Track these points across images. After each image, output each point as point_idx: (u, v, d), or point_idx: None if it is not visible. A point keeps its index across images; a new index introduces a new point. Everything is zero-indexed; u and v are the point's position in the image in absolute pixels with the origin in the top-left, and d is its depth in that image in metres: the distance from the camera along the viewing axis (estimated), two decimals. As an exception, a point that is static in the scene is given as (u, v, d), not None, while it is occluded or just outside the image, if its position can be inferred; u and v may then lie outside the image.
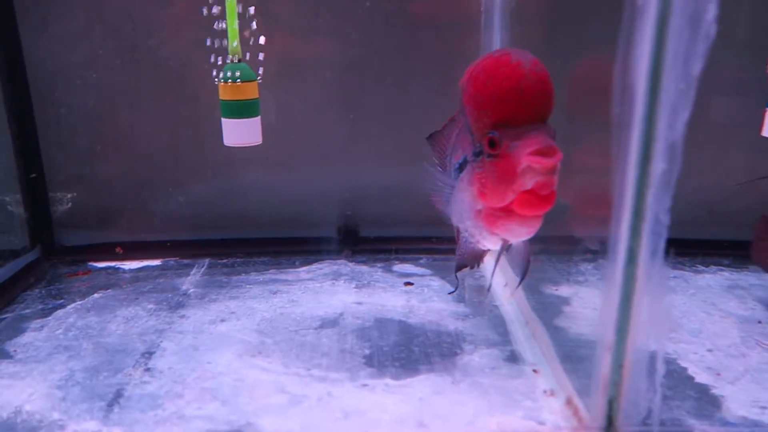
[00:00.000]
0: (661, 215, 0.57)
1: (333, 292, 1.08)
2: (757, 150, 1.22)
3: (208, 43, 0.99)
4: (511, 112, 0.58)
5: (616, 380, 0.64)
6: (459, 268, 0.84)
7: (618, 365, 0.63)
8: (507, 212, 0.61)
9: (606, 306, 0.63)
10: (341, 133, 1.25)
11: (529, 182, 0.57)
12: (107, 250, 1.23)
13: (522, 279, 0.79)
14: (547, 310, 1.00)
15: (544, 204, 0.59)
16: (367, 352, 0.89)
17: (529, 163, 0.56)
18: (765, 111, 1.03)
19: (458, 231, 0.83)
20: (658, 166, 0.55)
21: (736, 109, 1.22)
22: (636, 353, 0.63)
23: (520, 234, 0.65)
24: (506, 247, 0.72)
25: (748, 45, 1.16)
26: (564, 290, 1.08)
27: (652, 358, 0.63)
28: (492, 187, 0.61)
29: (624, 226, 0.59)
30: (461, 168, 0.69)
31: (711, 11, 0.51)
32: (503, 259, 1.19)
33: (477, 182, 0.63)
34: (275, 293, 1.08)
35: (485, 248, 0.77)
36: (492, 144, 0.59)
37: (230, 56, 0.98)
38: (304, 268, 1.19)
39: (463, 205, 0.68)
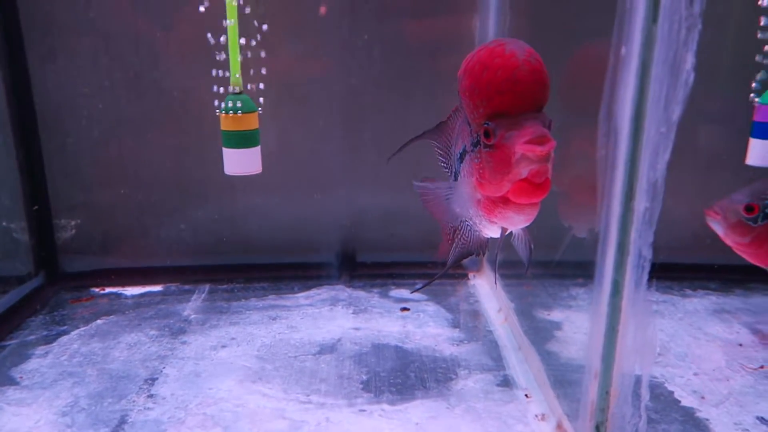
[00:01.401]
0: (644, 250, 0.61)
1: (331, 318, 1.11)
2: (741, 177, 1.26)
3: (213, 73, 1.02)
4: (506, 103, 0.59)
5: (603, 406, 0.67)
6: (464, 256, 0.82)
7: (605, 391, 0.66)
8: (504, 201, 0.63)
9: (593, 335, 0.66)
10: (340, 160, 1.29)
11: (523, 171, 0.58)
12: (109, 276, 1.26)
13: (528, 265, 0.79)
14: (539, 335, 1.02)
15: (539, 192, 0.59)
16: (364, 377, 0.92)
17: (523, 152, 0.57)
18: (749, 140, 1.07)
19: (444, 226, 0.84)
20: (641, 204, 0.59)
21: (722, 137, 1.27)
22: (622, 380, 0.66)
23: (517, 222, 0.66)
24: (506, 235, 0.74)
25: (733, 75, 1.21)
26: (556, 315, 1.11)
27: (638, 384, 0.66)
28: (488, 177, 0.62)
29: (609, 260, 0.62)
30: (461, 158, 0.70)
31: (689, 60, 0.55)
32: (499, 287, 1.23)
33: (475, 172, 0.64)
34: (275, 319, 1.11)
35: (488, 236, 0.78)
36: (487, 134, 0.60)
37: (231, 87, 1.02)
38: (303, 294, 1.22)
39: (465, 195, 0.69)
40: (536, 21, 1.13)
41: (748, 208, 0.95)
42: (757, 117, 1.05)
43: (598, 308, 0.64)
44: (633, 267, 0.61)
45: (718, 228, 1.01)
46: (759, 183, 0.98)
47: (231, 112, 1.00)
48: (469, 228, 0.77)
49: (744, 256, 1.00)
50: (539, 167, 0.57)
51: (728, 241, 1.00)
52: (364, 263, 1.32)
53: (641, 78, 0.55)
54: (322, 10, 1.20)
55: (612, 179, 0.59)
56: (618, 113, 0.57)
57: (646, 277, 0.62)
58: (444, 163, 0.80)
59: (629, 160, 0.58)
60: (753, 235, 0.96)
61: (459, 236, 0.81)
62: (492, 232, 0.74)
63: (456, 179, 0.75)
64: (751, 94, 1.06)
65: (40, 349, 1.00)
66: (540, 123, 0.58)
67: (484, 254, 0.82)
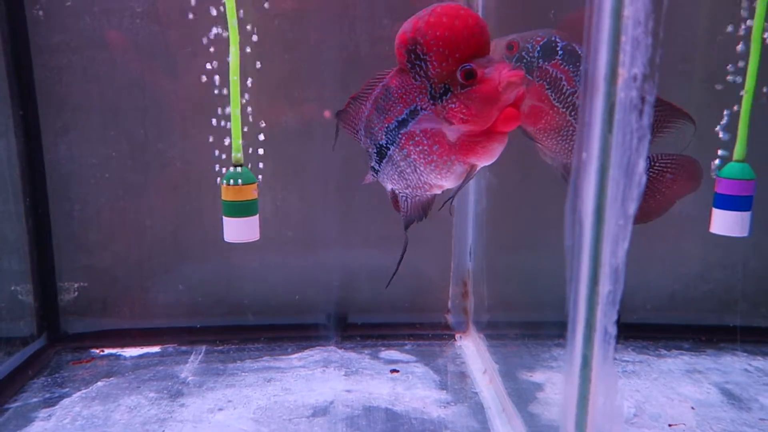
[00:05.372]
0: (609, 327, 0.68)
1: (324, 380, 1.16)
2: (709, 243, 1.36)
3: (211, 140, 1.11)
4: (478, 45, 0.69)
5: (579, 470, 0.72)
6: (409, 224, 0.87)
7: (580, 456, 0.72)
8: (487, 134, 0.71)
9: (567, 403, 0.72)
10: (332, 226, 1.36)
11: (511, 96, 0.68)
12: (109, 337, 1.30)
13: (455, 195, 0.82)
14: (522, 397, 1.08)
15: (520, 117, 0.70)
16: (356, 440, 0.96)
17: (509, 78, 0.67)
18: (712, 210, 1.16)
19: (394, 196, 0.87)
20: (605, 287, 0.66)
21: (690, 206, 1.36)
22: (595, 445, 0.72)
23: (496, 153, 0.74)
24: (471, 176, 0.78)
25: (699, 153, 1.31)
26: (538, 376, 1.17)
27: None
28: (476, 112, 0.69)
29: (579, 336, 0.69)
30: (404, 123, 0.75)
31: (641, 164, 0.63)
32: (484, 348, 1.29)
33: (456, 115, 0.71)
34: (269, 381, 1.15)
35: (432, 195, 0.82)
36: (470, 75, 0.69)
37: (234, 160, 1.10)
38: (296, 355, 1.27)
39: (425, 150, 0.75)
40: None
41: (509, 47, 0.91)
42: (718, 189, 1.15)
43: (571, 379, 0.70)
44: (600, 342, 0.68)
45: None
46: (541, 30, 0.90)
47: (232, 181, 1.07)
48: (408, 197, 0.83)
49: None
50: (521, 91, 0.68)
51: None
52: (355, 324, 1.38)
53: (600, 179, 0.64)
54: (326, 113, 1.30)
55: (579, 266, 0.67)
56: (582, 209, 0.65)
57: (612, 351, 0.68)
58: (368, 139, 0.82)
59: (593, 249, 0.65)
60: None
61: (404, 206, 0.85)
62: (454, 180, 0.78)
63: (389, 151, 0.78)
64: (713, 168, 1.16)
65: (43, 412, 1.03)
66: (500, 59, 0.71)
67: (426, 217, 0.85)
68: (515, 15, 1.23)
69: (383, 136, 0.79)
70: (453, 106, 0.72)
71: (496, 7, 1.27)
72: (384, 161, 0.81)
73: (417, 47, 0.71)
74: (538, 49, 0.86)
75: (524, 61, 0.87)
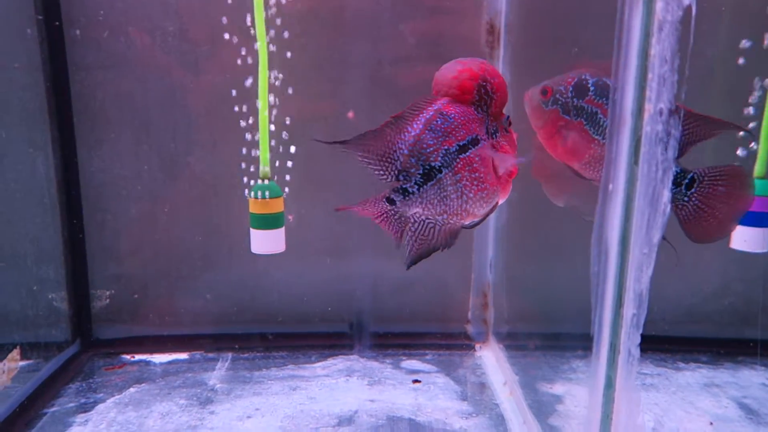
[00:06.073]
0: (633, 349, 0.70)
1: (347, 389, 1.19)
2: (728, 257, 1.37)
3: (243, 153, 1.15)
4: None
5: (601, 486, 0.75)
6: (428, 254, 0.84)
7: (602, 474, 0.74)
8: (511, 175, 0.82)
9: (590, 422, 0.75)
10: (355, 236, 1.39)
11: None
12: (139, 343, 1.34)
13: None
14: (542, 409, 1.10)
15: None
16: (381, 450, 0.99)
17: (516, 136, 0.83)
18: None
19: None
20: (629, 311, 0.69)
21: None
22: (617, 463, 0.74)
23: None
24: (494, 209, 0.83)
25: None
26: (557, 388, 1.19)
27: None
28: (511, 154, 0.82)
29: (603, 358, 0.71)
30: (464, 148, 0.79)
31: (665, 195, 0.66)
32: (503, 359, 1.31)
33: (510, 151, 0.82)
34: (295, 389, 1.19)
35: (461, 224, 0.82)
36: (510, 123, 0.82)
37: (261, 175, 1.13)
38: (320, 364, 1.30)
39: (479, 177, 0.79)
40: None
41: (543, 92, 0.93)
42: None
43: (595, 398, 0.73)
44: (623, 364, 0.71)
45: (527, 109, 0.96)
46: (571, 72, 0.93)
47: (259, 194, 1.11)
48: (437, 224, 0.81)
49: (543, 143, 0.95)
50: None
51: (533, 126, 0.95)
52: (376, 333, 1.41)
53: (626, 209, 0.66)
54: (350, 115, 1.32)
55: (604, 290, 0.69)
56: (608, 238, 0.68)
57: (635, 372, 0.71)
58: (414, 159, 0.78)
59: (618, 276, 0.68)
60: (544, 120, 0.93)
61: (430, 234, 0.83)
62: (481, 212, 0.82)
63: (440, 173, 0.79)
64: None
65: (80, 417, 1.08)
66: None
67: (453, 245, 0.85)
68: (534, 38, 1.26)
69: (439, 158, 0.79)
70: (504, 143, 0.83)
71: (517, 27, 1.30)
72: (429, 184, 0.80)
73: (487, 84, 0.79)
74: (571, 89, 0.91)
75: (559, 102, 0.91)
